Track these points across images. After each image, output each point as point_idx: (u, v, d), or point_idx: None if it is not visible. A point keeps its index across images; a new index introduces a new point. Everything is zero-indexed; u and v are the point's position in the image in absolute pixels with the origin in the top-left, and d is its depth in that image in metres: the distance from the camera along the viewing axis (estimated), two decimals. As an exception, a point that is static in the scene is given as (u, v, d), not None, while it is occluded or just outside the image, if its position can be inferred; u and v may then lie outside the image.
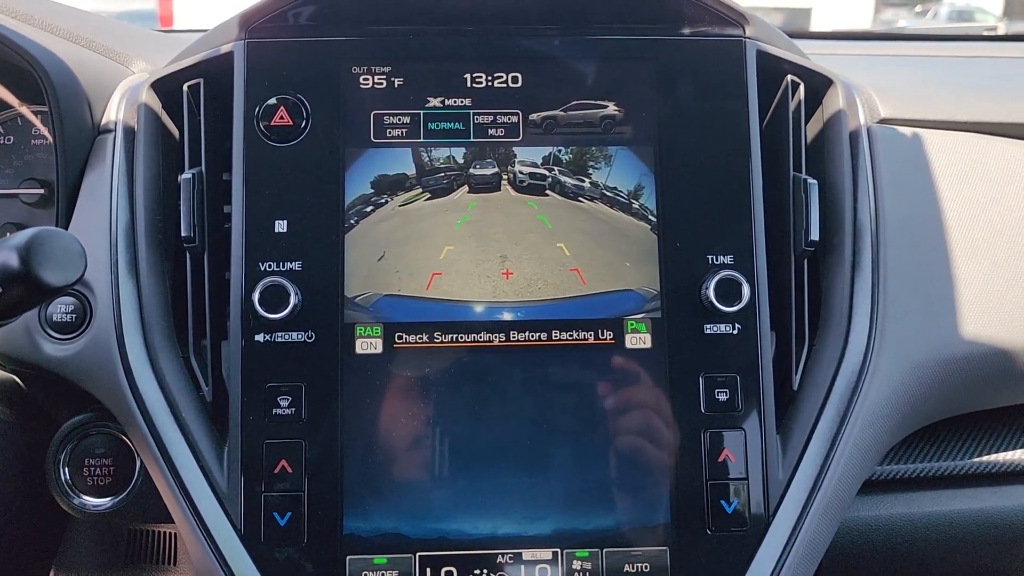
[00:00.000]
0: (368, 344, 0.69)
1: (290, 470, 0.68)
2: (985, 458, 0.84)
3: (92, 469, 0.73)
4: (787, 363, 0.72)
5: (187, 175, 0.71)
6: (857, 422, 0.70)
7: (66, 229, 0.75)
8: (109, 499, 0.72)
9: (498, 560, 0.68)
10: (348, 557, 0.67)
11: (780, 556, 0.68)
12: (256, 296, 0.67)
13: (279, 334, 0.69)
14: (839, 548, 0.77)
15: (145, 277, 0.71)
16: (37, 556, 0.81)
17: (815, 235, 0.72)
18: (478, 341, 0.69)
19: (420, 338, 0.69)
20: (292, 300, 0.67)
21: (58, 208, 0.75)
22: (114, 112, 0.76)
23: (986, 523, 0.82)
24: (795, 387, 0.72)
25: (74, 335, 0.71)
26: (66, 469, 0.72)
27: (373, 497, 0.68)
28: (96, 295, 0.71)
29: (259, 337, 0.69)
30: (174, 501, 0.67)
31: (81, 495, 0.72)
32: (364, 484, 0.68)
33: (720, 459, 0.69)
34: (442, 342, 0.69)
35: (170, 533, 0.78)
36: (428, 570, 0.68)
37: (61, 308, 0.71)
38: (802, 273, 0.74)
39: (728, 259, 0.71)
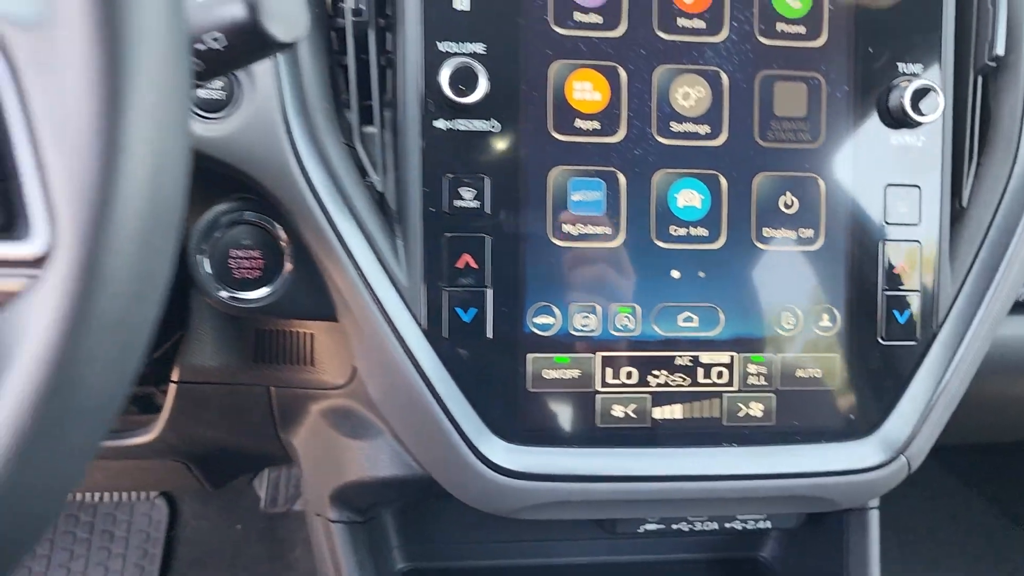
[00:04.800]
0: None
1: (474, 265, 0.65)
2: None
3: (239, 261, 0.68)
4: (957, 180, 0.72)
5: (355, -61, 0.64)
6: None
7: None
8: (266, 289, 0.68)
9: (676, 362, 0.68)
10: (530, 355, 0.66)
11: (945, 367, 0.70)
12: (445, 78, 0.62)
13: (461, 121, 0.64)
14: (984, 365, 0.79)
15: (304, 52, 0.65)
16: (159, 360, 0.77)
17: (1000, 50, 0.70)
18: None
19: (609, 134, 0.66)
20: (483, 84, 0.62)
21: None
22: None
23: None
24: (964, 204, 0.72)
25: (223, 114, 0.64)
26: (208, 261, 0.68)
27: (556, 296, 0.66)
28: (250, 69, 0.64)
29: (439, 124, 0.64)
30: (356, 293, 0.64)
31: (226, 287, 0.68)
32: (548, 282, 0.66)
33: (896, 270, 0.69)
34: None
35: (302, 333, 0.75)
36: (608, 370, 0.67)
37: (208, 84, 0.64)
38: (976, 89, 0.73)
39: (917, 68, 0.69)
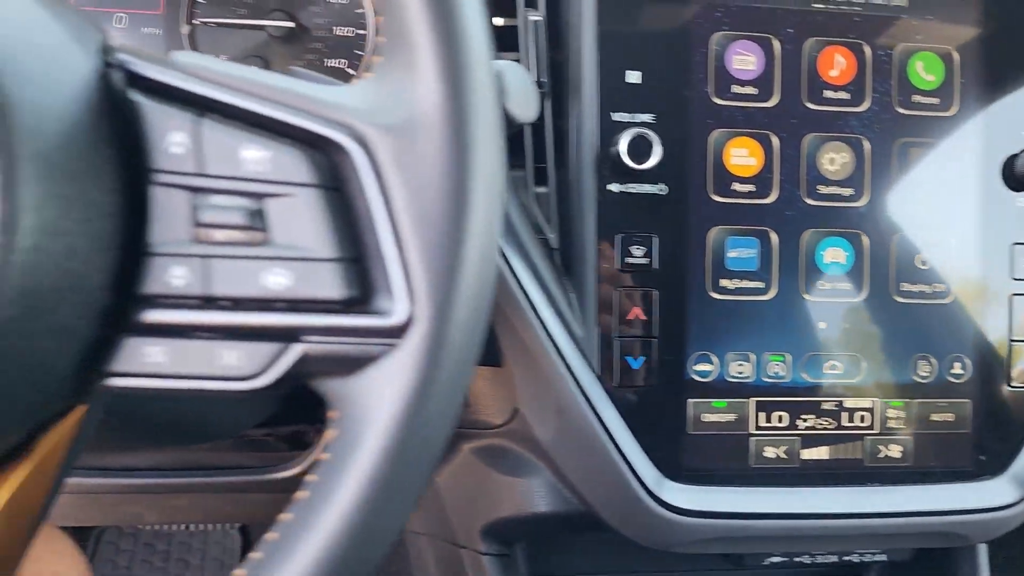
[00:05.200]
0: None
1: (643, 317, 0.70)
2: None
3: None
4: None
5: (536, 17, 0.70)
6: None
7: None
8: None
9: (822, 406, 0.73)
10: (690, 400, 0.71)
11: (1067, 410, 0.75)
12: (624, 146, 0.68)
13: (632, 185, 0.70)
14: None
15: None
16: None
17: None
18: (818, 202, 0.73)
19: (764, 196, 0.72)
20: (657, 151, 0.68)
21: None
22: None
23: None
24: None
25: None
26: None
27: (714, 345, 0.71)
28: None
29: (612, 187, 0.70)
30: (536, 340, 0.69)
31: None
32: (707, 333, 0.71)
33: (1022, 321, 0.75)
34: (784, 201, 0.72)
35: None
36: (762, 414, 0.72)
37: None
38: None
39: (1039, 138, 0.75)
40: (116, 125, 0.41)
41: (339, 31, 0.87)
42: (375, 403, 0.41)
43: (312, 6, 0.87)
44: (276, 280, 0.41)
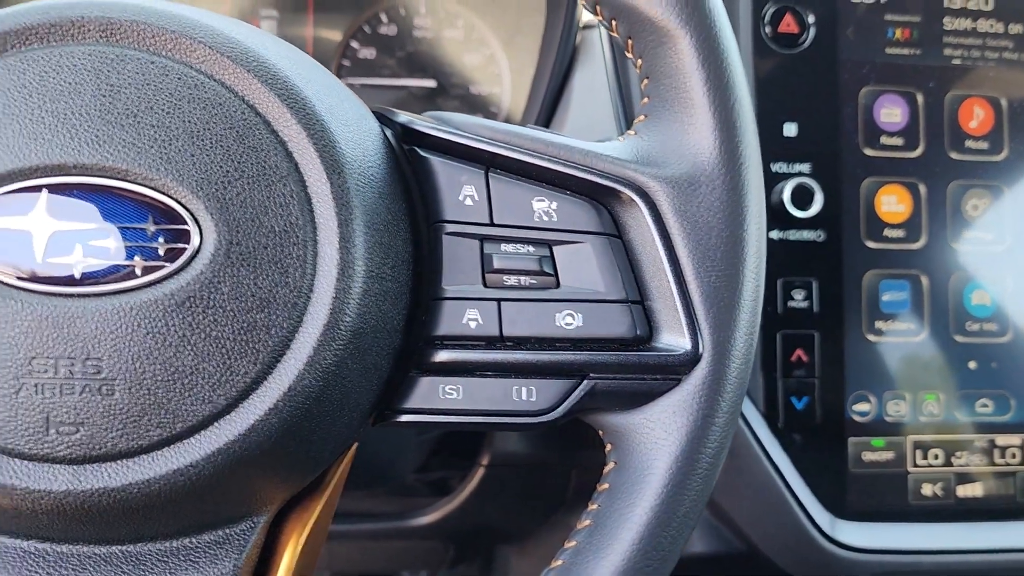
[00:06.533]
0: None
1: (805, 359, 0.73)
2: None
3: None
4: None
5: (695, 75, 0.74)
6: None
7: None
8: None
9: (975, 443, 0.75)
10: (851, 439, 0.73)
11: None
12: (788, 194, 0.71)
13: (792, 232, 0.73)
14: None
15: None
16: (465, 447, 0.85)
17: None
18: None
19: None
20: (818, 199, 0.71)
21: (542, 108, 0.77)
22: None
23: None
24: None
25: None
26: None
27: (871, 385, 0.74)
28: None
29: (773, 234, 0.73)
30: (706, 383, 0.71)
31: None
32: (864, 373, 0.74)
33: None
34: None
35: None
36: (918, 452, 0.74)
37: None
38: None
39: None
40: (406, 179, 0.45)
41: (474, 89, 0.92)
42: (661, 435, 0.43)
43: (450, 66, 0.91)
44: (568, 321, 0.44)
